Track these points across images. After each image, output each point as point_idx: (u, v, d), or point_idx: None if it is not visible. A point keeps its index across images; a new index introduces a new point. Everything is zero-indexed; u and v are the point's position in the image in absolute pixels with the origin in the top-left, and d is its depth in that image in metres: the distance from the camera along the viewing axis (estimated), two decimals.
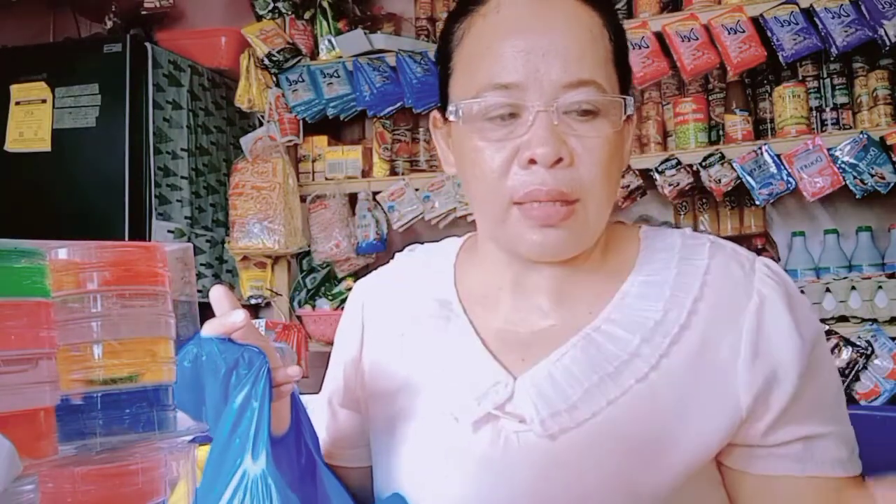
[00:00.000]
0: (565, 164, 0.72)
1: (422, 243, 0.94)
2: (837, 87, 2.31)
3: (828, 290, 2.16)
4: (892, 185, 2.12)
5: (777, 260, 2.36)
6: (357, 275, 2.62)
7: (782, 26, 2.21)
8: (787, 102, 2.28)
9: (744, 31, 2.23)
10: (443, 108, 0.82)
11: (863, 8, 2.16)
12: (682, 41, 2.27)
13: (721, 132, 2.38)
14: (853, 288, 2.13)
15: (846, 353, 2.05)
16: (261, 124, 2.68)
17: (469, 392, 0.76)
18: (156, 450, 0.78)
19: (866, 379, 2.05)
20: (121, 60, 2.45)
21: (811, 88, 2.32)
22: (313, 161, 2.74)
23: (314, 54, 2.72)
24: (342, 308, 1.04)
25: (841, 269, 2.25)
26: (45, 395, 0.69)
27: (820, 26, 2.18)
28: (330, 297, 2.63)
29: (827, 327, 2.09)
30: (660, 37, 2.32)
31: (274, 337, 2.47)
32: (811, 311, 0.77)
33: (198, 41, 2.79)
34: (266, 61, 2.63)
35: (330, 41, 2.68)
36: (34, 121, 2.50)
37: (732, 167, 2.24)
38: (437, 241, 0.93)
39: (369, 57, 2.60)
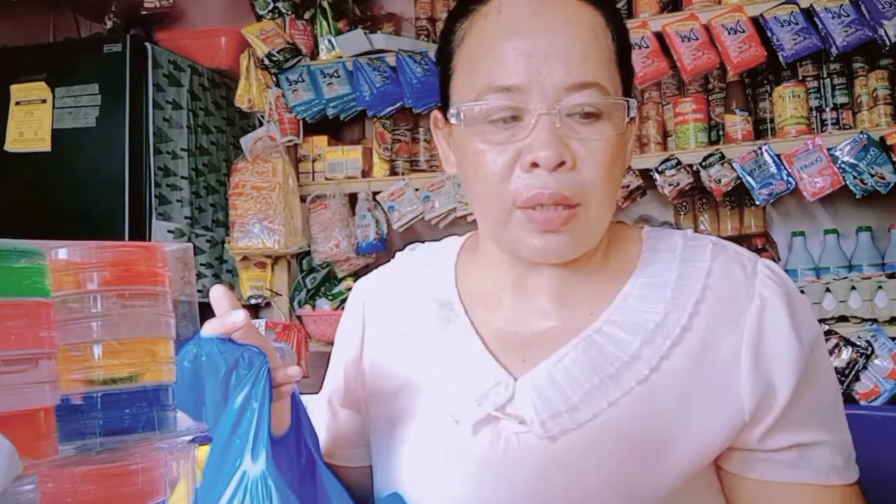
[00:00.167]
0: (568, 168, 0.71)
1: (422, 243, 0.94)
2: (837, 87, 2.31)
3: (828, 290, 2.16)
4: (892, 185, 2.12)
5: (777, 260, 2.36)
6: (357, 275, 2.62)
7: (782, 26, 2.21)
8: (787, 102, 2.28)
9: (744, 31, 2.23)
10: (444, 108, 0.81)
11: (863, 8, 2.16)
12: (682, 41, 2.27)
13: (721, 132, 2.38)
14: (853, 288, 2.13)
15: (846, 353, 2.05)
16: (261, 124, 2.68)
17: (469, 393, 0.76)
18: (156, 450, 0.78)
19: (866, 379, 2.05)
20: (121, 60, 2.45)
21: (811, 88, 2.32)
22: (313, 161, 2.74)
23: (314, 54, 2.72)
24: (342, 308, 1.04)
25: (841, 269, 2.25)
26: (45, 395, 0.69)
27: (820, 26, 2.18)
28: (330, 297, 2.63)
29: (827, 327, 2.09)
30: (660, 37, 2.32)
31: (274, 337, 2.47)
32: (811, 313, 0.77)
33: (198, 41, 2.79)
34: (266, 61, 2.63)
35: (330, 41, 2.68)
36: (34, 121, 2.50)
37: (732, 167, 2.24)
38: (438, 240, 0.93)
39: (369, 57, 2.60)
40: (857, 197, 2.17)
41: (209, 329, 0.67)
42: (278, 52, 2.63)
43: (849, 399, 2.05)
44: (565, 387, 0.73)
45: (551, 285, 0.79)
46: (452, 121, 0.77)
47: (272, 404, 0.65)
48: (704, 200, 2.48)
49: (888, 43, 2.12)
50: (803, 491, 0.72)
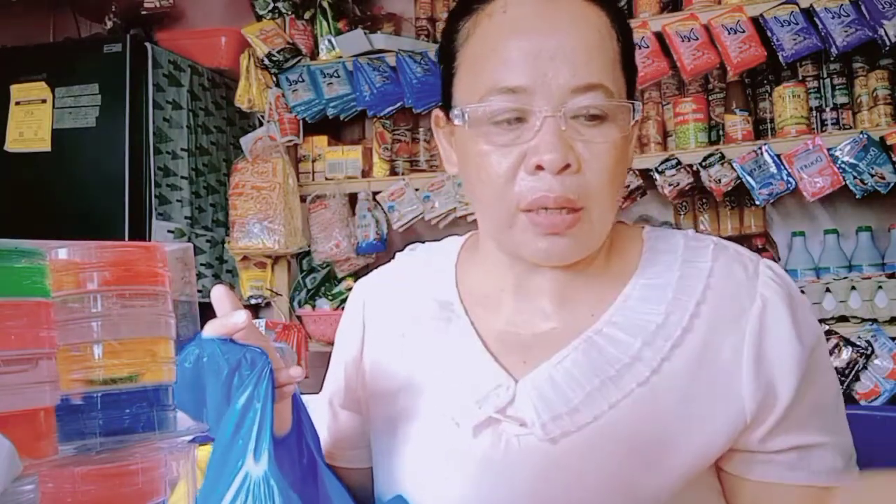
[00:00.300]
0: (573, 171, 0.71)
1: (422, 243, 0.94)
2: (837, 87, 2.31)
3: (828, 290, 2.15)
4: (892, 185, 2.12)
5: (777, 260, 2.36)
6: (357, 275, 2.62)
7: (782, 26, 2.21)
8: (787, 102, 2.28)
9: (744, 31, 2.23)
10: (445, 107, 0.81)
11: (863, 8, 2.16)
12: (682, 41, 2.27)
13: (721, 132, 2.38)
14: (853, 288, 2.13)
15: (846, 354, 2.05)
16: (261, 124, 2.68)
17: (470, 395, 0.75)
18: (156, 450, 0.78)
19: (866, 379, 2.05)
20: (121, 60, 2.45)
21: (811, 88, 2.32)
22: (313, 161, 2.74)
23: (314, 54, 2.72)
24: (342, 308, 1.04)
25: (841, 269, 2.25)
26: (45, 395, 0.69)
27: (820, 26, 2.18)
28: (330, 297, 2.63)
29: (827, 327, 2.09)
30: (660, 37, 2.32)
31: (274, 337, 2.47)
32: (812, 314, 0.77)
33: (198, 41, 2.79)
34: (266, 61, 2.63)
35: (330, 41, 2.68)
36: (34, 121, 2.50)
37: (732, 167, 2.24)
38: (438, 240, 0.93)
39: (369, 57, 2.60)
40: (857, 197, 2.17)
41: (211, 330, 0.67)
42: (278, 52, 2.63)
43: (849, 399, 2.05)
44: (566, 389, 0.72)
45: (553, 286, 0.78)
46: (456, 121, 0.76)
47: (274, 405, 0.65)
48: (704, 200, 2.48)
49: (888, 43, 2.12)
50: (804, 493, 0.72)
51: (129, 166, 2.42)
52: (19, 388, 0.67)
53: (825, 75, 2.35)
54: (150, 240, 2.42)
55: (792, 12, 2.21)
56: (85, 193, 2.44)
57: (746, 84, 2.42)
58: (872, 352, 2.05)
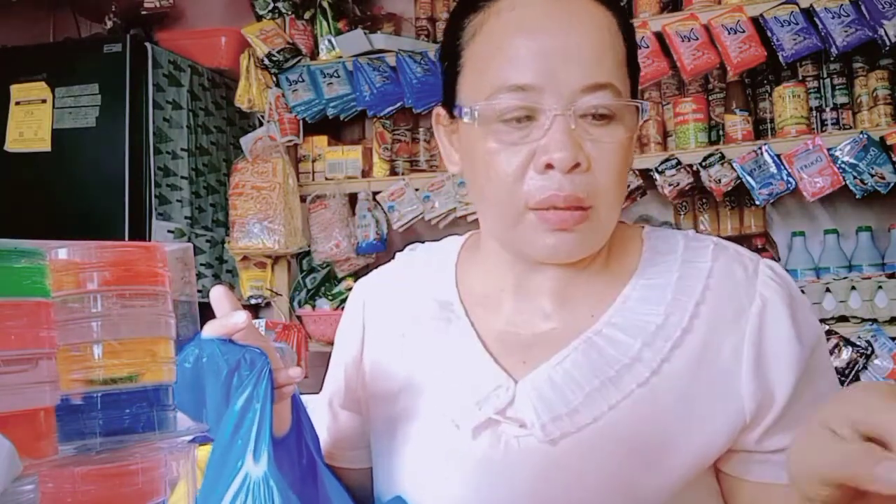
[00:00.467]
0: (582, 170, 0.71)
1: (422, 243, 0.94)
2: (837, 87, 2.31)
3: (828, 290, 2.16)
4: (892, 185, 2.12)
5: (777, 260, 2.36)
6: (357, 275, 2.62)
7: (782, 26, 2.21)
8: (787, 102, 2.28)
9: (744, 31, 2.23)
10: (447, 105, 0.80)
11: (863, 8, 2.16)
12: (682, 41, 2.27)
13: (721, 132, 2.38)
14: (853, 288, 2.13)
15: (846, 353, 2.05)
16: (261, 124, 2.68)
17: (470, 395, 0.75)
18: (156, 450, 0.78)
19: (866, 379, 2.05)
20: (121, 60, 2.45)
21: (811, 88, 2.32)
22: (313, 161, 2.74)
23: (314, 54, 2.72)
24: (342, 308, 1.04)
25: (841, 269, 2.25)
26: (45, 395, 0.69)
27: (820, 26, 2.18)
28: (330, 297, 2.63)
29: (827, 327, 2.09)
30: (660, 37, 2.32)
31: (274, 337, 2.47)
32: (813, 314, 0.77)
33: (198, 41, 2.79)
34: (266, 61, 2.63)
35: (330, 41, 2.68)
36: (34, 121, 2.50)
37: (732, 167, 2.24)
38: (438, 240, 0.92)
39: (369, 57, 2.60)
40: (857, 197, 2.17)
41: (210, 330, 0.67)
42: (278, 52, 2.63)
43: None
44: (565, 390, 0.72)
45: (553, 286, 0.78)
46: (465, 119, 0.75)
47: (273, 405, 0.65)
48: (704, 200, 2.48)
49: (888, 43, 2.12)
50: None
51: (129, 166, 2.42)
52: (19, 388, 0.67)
53: (825, 75, 2.35)
54: (150, 240, 2.42)
55: (792, 12, 2.21)
56: (85, 193, 2.44)
57: (746, 84, 2.43)
58: (872, 352, 2.05)
